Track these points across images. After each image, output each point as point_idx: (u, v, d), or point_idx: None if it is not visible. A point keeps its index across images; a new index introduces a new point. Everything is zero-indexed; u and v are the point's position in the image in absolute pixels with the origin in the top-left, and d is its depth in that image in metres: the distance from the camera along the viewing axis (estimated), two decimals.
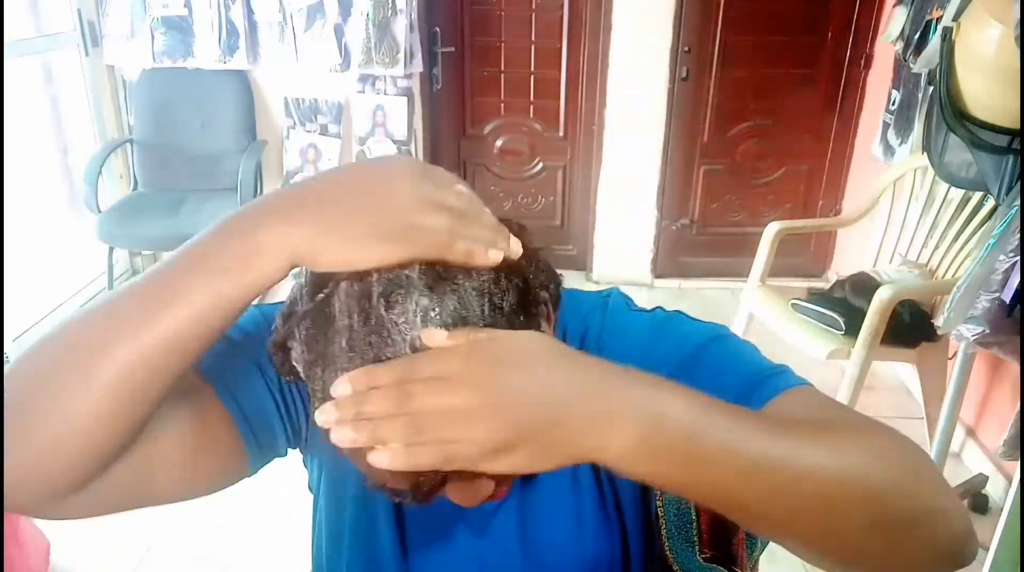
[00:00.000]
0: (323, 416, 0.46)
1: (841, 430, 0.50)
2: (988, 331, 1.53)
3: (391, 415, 0.44)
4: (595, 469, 0.72)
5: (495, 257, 0.50)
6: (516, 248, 0.53)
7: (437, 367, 0.45)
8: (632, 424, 0.44)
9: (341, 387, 0.46)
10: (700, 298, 3.45)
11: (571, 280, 3.52)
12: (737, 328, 2.60)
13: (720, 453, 0.45)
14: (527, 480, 0.71)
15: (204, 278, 0.47)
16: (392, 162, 0.52)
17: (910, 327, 2.14)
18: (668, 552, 0.83)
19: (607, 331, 0.69)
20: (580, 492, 0.72)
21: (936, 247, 2.32)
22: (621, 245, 3.50)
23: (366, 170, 0.52)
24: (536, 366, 0.46)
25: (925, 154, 1.78)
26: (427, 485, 0.51)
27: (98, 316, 0.49)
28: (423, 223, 0.48)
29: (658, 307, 0.74)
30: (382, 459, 0.44)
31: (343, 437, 0.45)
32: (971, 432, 2.35)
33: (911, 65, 2.53)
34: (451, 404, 0.44)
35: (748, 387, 0.59)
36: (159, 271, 0.49)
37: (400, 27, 3.05)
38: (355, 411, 0.45)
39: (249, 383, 0.65)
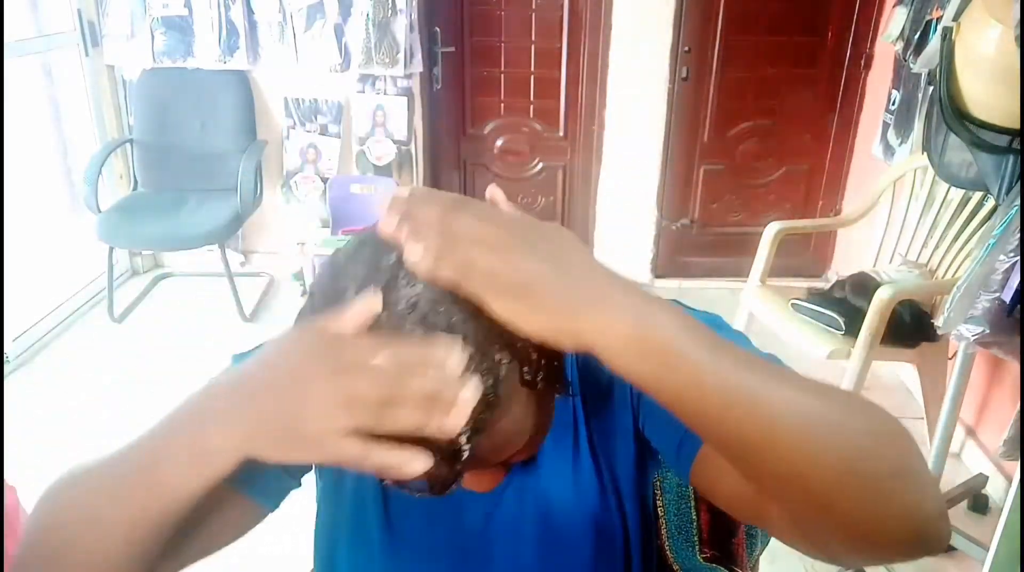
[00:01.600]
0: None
1: (824, 384, 0.51)
2: (988, 331, 1.53)
3: (433, 226, 0.49)
4: (593, 454, 0.73)
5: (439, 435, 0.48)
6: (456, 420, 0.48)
7: (483, 207, 0.51)
8: (629, 318, 0.47)
9: (401, 191, 0.51)
10: (700, 298, 3.44)
11: None
12: (737, 328, 2.60)
13: (701, 365, 0.47)
14: (527, 463, 0.72)
15: (169, 476, 0.51)
16: (293, 342, 0.51)
17: (910, 327, 2.14)
18: (668, 552, 0.83)
19: None
20: (580, 474, 0.73)
21: (936, 247, 2.32)
22: (621, 245, 3.50)
23: (276, 356, 0.51)
24: (564, 240, 0.51)
25: (925, 154, 1.78)
26: (443, 477, 0.53)
27: (92, 489, 0.55)
28: (342, 412, 0.47)
29: None
30: (415, 252, 0.49)
31: (388, 225, 0.50)
32: (971, 432, 2.35)
33: (911, 65, 2.53)
34: (485, 234, 0.49)
35: None
36: (133, 456, 0.54)
37: (400, 27, 3.05)
38: (406, 210, 0.50)
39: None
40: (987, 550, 1.43)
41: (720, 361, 0.47)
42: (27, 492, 1.74)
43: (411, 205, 0.50)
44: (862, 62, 3.20)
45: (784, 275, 3.03)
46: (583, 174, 3.50)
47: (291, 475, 0.72)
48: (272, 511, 0.72)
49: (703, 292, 3.50)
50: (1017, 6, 1.36)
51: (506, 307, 0.48)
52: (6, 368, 2.71)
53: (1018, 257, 1.47)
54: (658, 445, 0.71)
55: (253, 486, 0.68)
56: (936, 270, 2.30)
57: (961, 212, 2.23)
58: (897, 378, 2.80)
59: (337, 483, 0.78)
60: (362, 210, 3.24)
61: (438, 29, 3.26)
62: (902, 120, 2.78)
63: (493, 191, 0.56)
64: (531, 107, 3.44)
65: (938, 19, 2.35)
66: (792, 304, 2.32)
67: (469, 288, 0.48)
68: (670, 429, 0.66)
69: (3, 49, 2.57)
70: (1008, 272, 1.49)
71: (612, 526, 0.74)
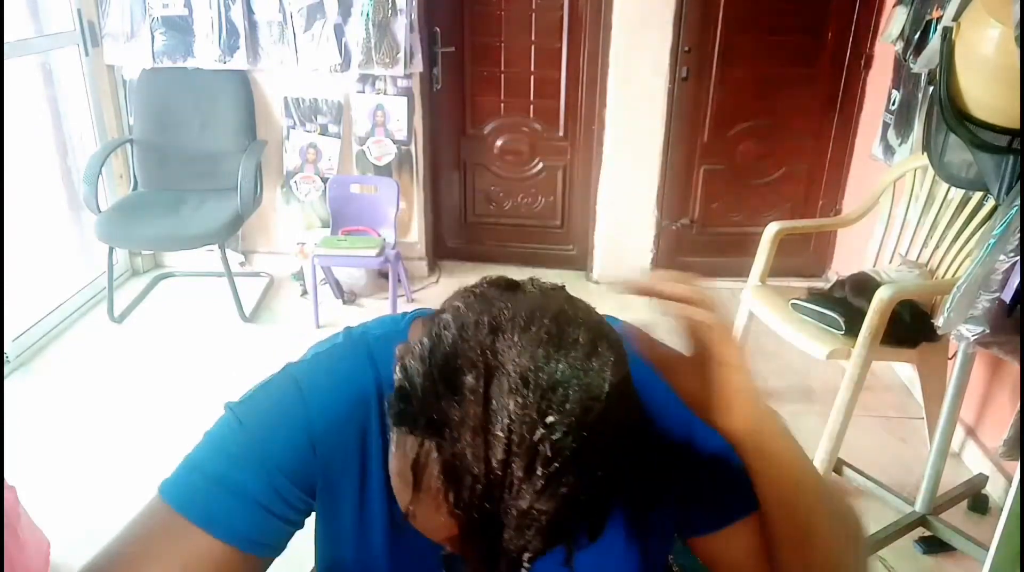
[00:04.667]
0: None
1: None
2: (988, 331, 1.53)
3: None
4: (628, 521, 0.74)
5: None
6: None
7: None
8: (776, 419, 0.64)
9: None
10: None
11: (571, 280, 3.53)
12: (737, 328, 2.60)
13: (794, 461, 0.65)
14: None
15: None
16: None
17: (910, 327, 2.14)
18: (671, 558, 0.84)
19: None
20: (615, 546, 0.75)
21: (936, 247, 2.32)
22: (621, 245, 3.50)
23: None
24: None
25: (925, 154, 1.78)
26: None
27: None
28: None
29: None
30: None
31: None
32: (971, 432, 2.35)
33: (911, 65, 2.53)
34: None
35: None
36: None
37: (400, 27, 3.05)
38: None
39: (241, 510, 0.67)
40: (987, 550, 1.43)
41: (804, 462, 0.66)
42: (27, 492, 1.74)
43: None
44: (862, 62, 3.20)
45: (784, 275, 3.03)
46: (583, 174, 3.50)
47: (292, 521, 0.71)
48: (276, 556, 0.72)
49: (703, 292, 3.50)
50: (1017, 6, 1.36)
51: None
52: (6, 368, 2.71)
53: (1018, 257, 1.47)
54: (690, 511, 0.76)
55: (253, 545, 0.68)
56: (936, 270, 2.29)
57: (961, 212, 2.23)
58: (897, 378, 2.80)
59: (334, 509, 0.76)
60: (362, 210, 3.25)
61: (438, 29, 3.26)
62: (902, 120, 2.78)
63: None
64: (531, 107, 3.44)
65: (938, 19, 2.35)
66: (792, 304, 2.32)
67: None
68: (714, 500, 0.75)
69: (3, 49, 2.58)
70: (1008, 272, 1.49)
71: None
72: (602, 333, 0.56)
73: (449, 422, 0.51)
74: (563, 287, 0.61)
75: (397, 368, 0.57)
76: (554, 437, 0.50)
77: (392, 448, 0.58)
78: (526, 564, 0.51)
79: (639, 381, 0.72)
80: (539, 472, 0.50)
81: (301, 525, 0.73)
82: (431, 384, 0.53)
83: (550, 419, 0.50)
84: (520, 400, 0.50)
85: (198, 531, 0.65)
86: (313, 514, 0.77)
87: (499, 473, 0.50)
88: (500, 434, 0.50)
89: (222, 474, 0.67)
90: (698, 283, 0.62)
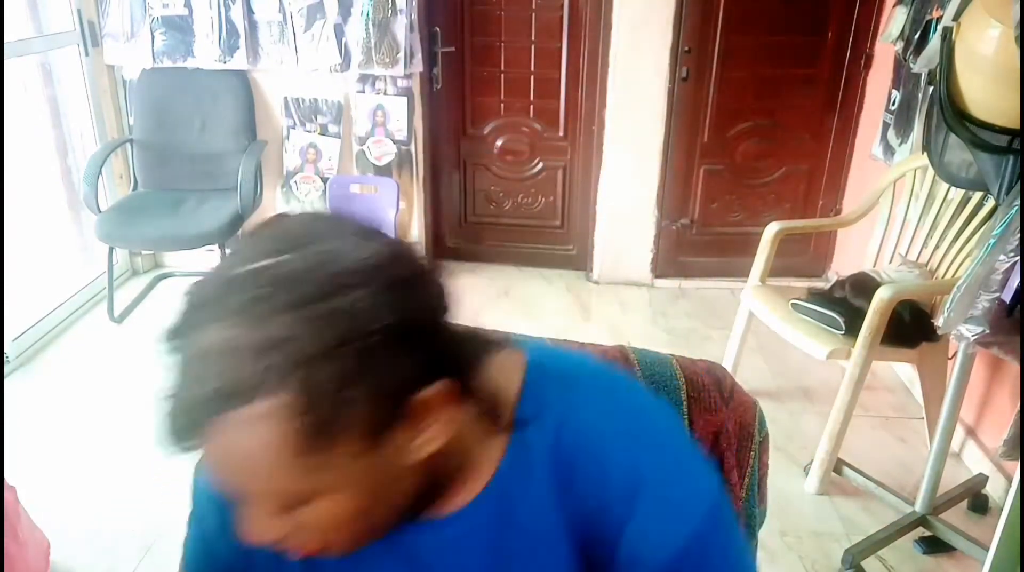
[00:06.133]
0: None
1: None
2: (988, 331, 1.53)
3: None
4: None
5: None
6: None
7: None
8: None
9: None
10: (700, 298, 3.45)
11: (571, 280, 3.53)
12: (737, 328, 2.60)
13: None
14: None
15: None
16: None
17: (910, 327, 2.14)
18: None
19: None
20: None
21: (936, 247, 2.32)
22: (621, 245, 3.50)
23: None
24: None
25: (925, 154, 1.78)
26: None
27: None
28: None
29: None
30: None
31: None
32: (971, 432, 2.35)
33: (911, 65, 2.54)
34: None
35: None
36: None
37: (400, 27, 3.05)
38: None
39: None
40: (987, 550, 1.43)
41: None
42: (27, 492, 1.75)
43: None
44: (862, 62, 3.20)
45: (784, 275, 3.03)
46: (583, 174, 3.50)
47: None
48: None
49: (703, 292, 3.50)
50: (1017, 6, 1.36)
51: None
52: (6, 368, 2.71)
53: (1018, 257, 1.47)
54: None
55: None
56: (936, 270, 2.30)
57: (961, 212, 2.23)
58: (897, 378, 2.80)
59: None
60: (362, 210, 3.25)
61: (438, 29, 3.27)
62: (902, 120, 2.78)
63: None
64: (531, 107, 3.44)
65: (938, 19, 2.35)
66: (792, 304, 2.32)
67: None
68: None
69: (3, 49, 2.58)
70: (1008, 272, 1.49)
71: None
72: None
73: None
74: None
75: None
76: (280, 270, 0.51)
77: None
78: None
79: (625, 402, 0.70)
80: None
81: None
82: None
83: (269, 261, 0.52)
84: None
85: None
86: None
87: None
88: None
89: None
90: None
